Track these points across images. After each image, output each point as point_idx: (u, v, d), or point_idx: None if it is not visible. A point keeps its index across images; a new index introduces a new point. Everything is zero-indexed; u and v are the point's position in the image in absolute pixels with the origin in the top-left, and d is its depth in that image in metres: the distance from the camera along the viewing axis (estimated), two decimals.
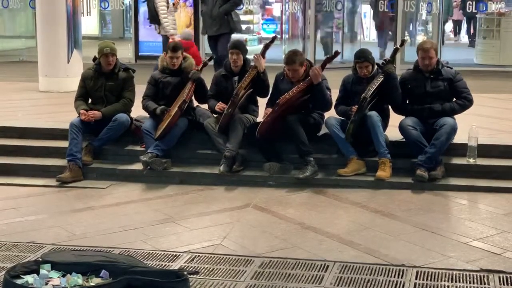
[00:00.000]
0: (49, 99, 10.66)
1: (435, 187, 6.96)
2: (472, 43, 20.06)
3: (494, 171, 7.14)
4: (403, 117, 7.34)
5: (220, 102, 7.65)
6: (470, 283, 4.78)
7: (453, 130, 7.10)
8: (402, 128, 7.18)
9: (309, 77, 7.24)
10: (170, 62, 7.80)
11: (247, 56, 7.87)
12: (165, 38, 12.21)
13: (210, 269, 5.02)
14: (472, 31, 20.42)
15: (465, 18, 20.52)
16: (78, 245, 5.49)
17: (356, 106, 7.18)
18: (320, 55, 14.52)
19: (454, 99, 7.32)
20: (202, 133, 7.66)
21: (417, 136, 7.07)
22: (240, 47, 7.79)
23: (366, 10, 20.77)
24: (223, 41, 10.80)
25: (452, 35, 22.49)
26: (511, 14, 16.38)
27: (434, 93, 7.25)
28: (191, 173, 7.46)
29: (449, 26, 22.02)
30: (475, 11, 16.25)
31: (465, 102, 7.28)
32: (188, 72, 7.79)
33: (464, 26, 21.23)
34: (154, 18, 11.92)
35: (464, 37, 21.67)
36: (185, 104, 7.53)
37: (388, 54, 10.39)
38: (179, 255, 5.30)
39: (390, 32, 17.79)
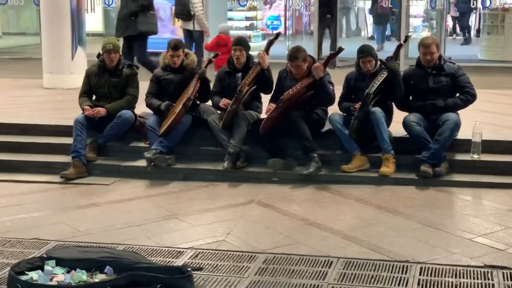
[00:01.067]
0: (54, 96, 10.67)
1: (439, 183, 6.95)
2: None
3: (498, 167, 7.13)
4: (407, 113, 7.34)
5: (224, 98, 7.65)
6: (474, 279, 4.77)
7: (457, 125, 7.09)
8: (406, 124, 7.18)
9: (312, 73, 7.24)
10: (171, 61, 7.78)
11: (250, 53, 7.88)
12: (187, 32, 12.68)
13: (214, 265, 5.02)
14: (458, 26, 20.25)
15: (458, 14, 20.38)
16: (82, 242, 5.50)
17: (359, 103, 7.18)
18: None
19: (457, 94, 7.31)
20: (206, 130, 7.66)
21: (421, 132, 7.07)
22: (243, 43, 7.78)
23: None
24: (138, 45, 10.60)
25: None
26: None
27: (437, 88, 7.24)
28: (195, 170, 7.46)
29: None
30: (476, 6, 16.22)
31: (468, 97, 7.26)
32: (190, 69, 7.79)
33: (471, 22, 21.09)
34: (187, 13, 12.66)
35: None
36: (189, 102, 7.53)
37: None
38: (183, 251, 5.31)
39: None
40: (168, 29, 16.28)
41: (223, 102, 7.62)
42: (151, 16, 10.60)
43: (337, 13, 15.09)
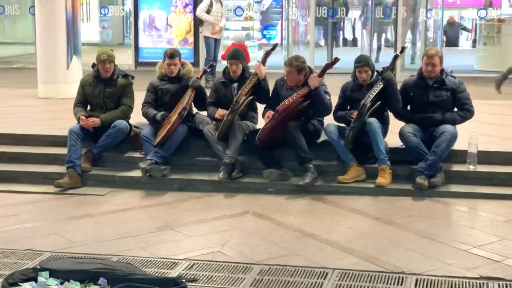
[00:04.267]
0: (48, 106, 10.65)
1: (435, 194, 6.93)
2: None
3: (494, 177, 7.12)
4: (403, 123, 7.32)
5: (220, 109, 7.64)
6: None
7: (454, 137, 7.08)
8: (402, 135, 7.17)
9: (308, 84, 7.24)
10: (168, 69, 7.78)
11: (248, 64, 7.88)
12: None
13: (209, 277, 5.00)
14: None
15: None
16: (76, 252, 5.47)
17: (356, 111, 7.17)
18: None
19: (456, 109, 7.30)
20: (201, 140, 7.65)
21: (417, 143, 7.06)
22: (239, 56, 7.76)
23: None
24: None
25: None
26: (511, 21, 16.43)
27: (437, 102, 7.22)
28: (190, 180, 7.43)
29: None
30: None
31: (467, 114, 7.28)
32: (186, 79, 7.79)
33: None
34: None
35: None
36: (185, 111, 7.52)
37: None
38: (178, 262, 5.28)
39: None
40: (164, 39, 16.28)
41: (219, 113, 7.60)
42: None
43: None
